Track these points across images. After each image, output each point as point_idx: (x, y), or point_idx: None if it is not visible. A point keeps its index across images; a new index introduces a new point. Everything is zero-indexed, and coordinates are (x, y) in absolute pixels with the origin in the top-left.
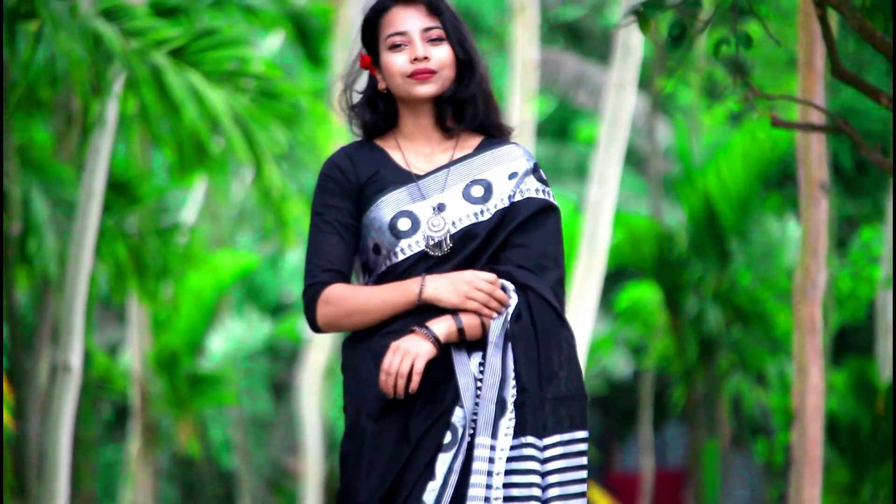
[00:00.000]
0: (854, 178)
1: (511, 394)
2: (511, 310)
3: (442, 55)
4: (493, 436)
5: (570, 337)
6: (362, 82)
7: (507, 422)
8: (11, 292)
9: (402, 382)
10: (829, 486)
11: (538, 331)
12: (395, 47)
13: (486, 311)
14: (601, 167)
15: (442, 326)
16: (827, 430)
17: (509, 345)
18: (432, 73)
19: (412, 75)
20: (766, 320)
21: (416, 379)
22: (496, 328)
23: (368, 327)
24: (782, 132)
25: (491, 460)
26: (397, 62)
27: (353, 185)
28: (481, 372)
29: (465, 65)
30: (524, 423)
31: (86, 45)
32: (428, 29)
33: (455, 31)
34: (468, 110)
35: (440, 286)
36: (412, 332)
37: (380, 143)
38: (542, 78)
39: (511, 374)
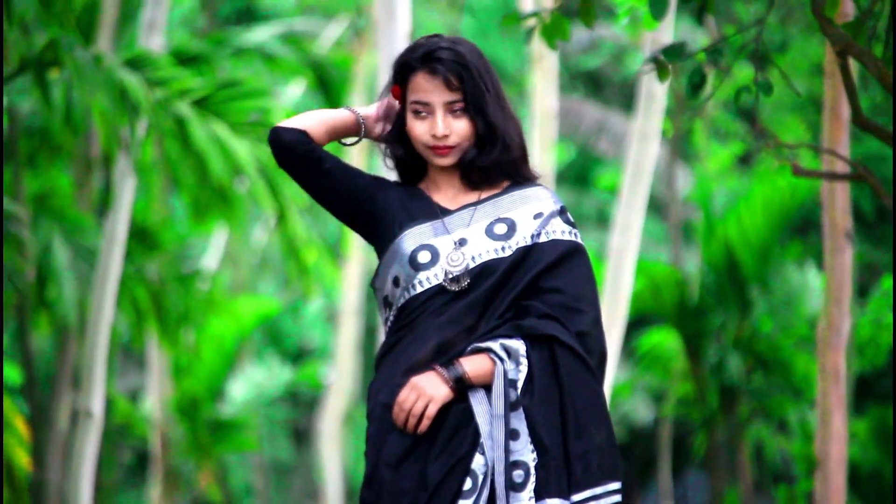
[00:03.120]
0: (875, 225)
1: (531, 458)
2: (520, 379)
3: (461, 127)
4: None
5: (598, 387)
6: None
7: (530, 486)
8: (30, 338)
9: (412, 422)
10: None
11: (563, 386)
12: (418, 113)
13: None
14: (624, 215)
15: (464, 368)
16: (849, 478)
17: (521, 411)
18: (451, 148)
19: (431, 148)
20: (788, 368)
21: (425, 423)
22: (498, 400)
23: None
24: (802, 180)
25: None
26: (418, 130)
27: (379, 191)
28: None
29: (488, 132)
30: (548, 485)
31: (111, 95)
32: (450, 102)
33: (476, 100)
34: (494, 170)
35: None
36: (433, 370)
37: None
38: (562, 126)
39: (527, 439)
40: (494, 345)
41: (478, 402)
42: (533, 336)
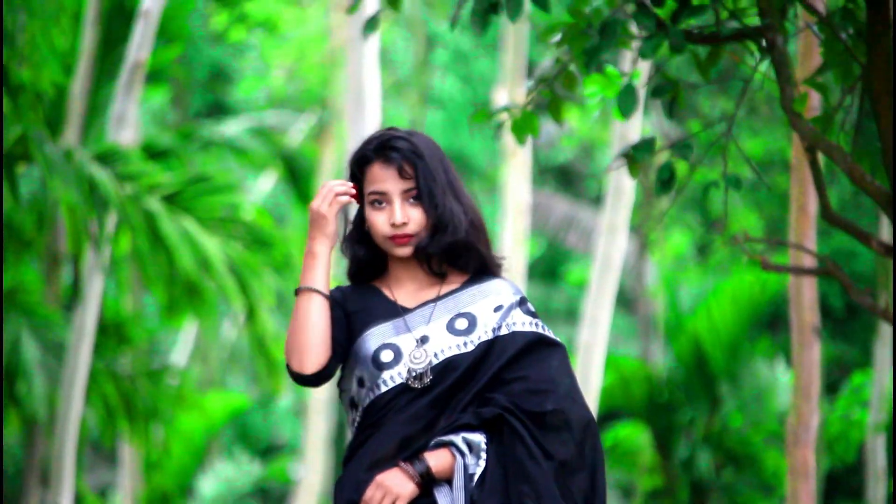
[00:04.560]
0: (844, 321)
1: None
2: (476, 475)
3: (419, 216)
4: None
5: (540, 465)
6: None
7: None
8: None
9: None
10: None
11: (507, 470)
12: (375, 203)
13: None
14: (593, 309)
15: (428, 464)
16: None
17: None
18: (410, 236)
19: (391, 238)
20: (758, 464)
21: None
22: (458, 495)
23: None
24: (771, 275)
25: None
26: (378, 221)
27: (343, 309)
28: None
29: (438, 220)
30: None
31: (82, 191)
32: (406, 191)
33: (428, 186)
34: (459, 258)
35: None
36: (398, 466)
37: (370, 282)
38: (532, 220)
39: None
40: (457, 438)
41: (443, 497)
42: (489, 423)
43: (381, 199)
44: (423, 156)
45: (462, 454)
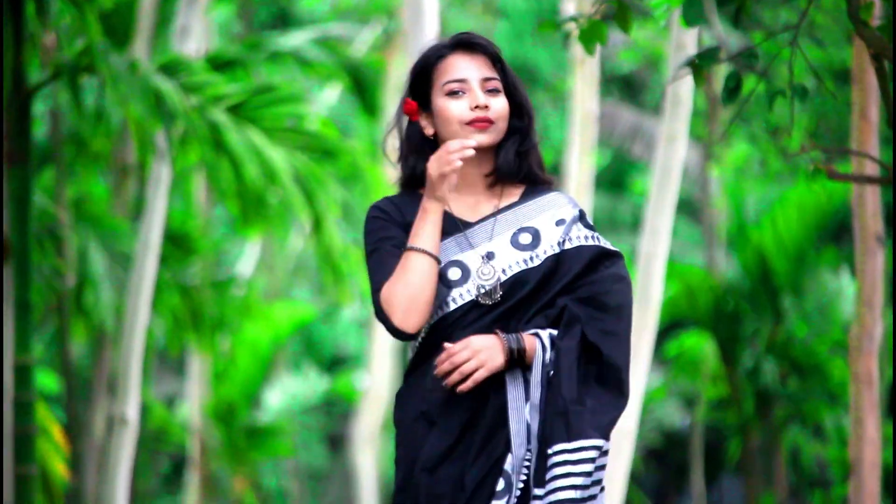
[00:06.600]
0: None
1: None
2: (545, 360)
3: (499, 106)
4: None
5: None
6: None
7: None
8: (69, 346)
9: (456, 378)
10: None
11: (561, 366)
12: (452, 94)
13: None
14: (653, 219)
15: (524, 344)
16: (883, 482)
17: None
18: (490, 122)
19: (471, 122)
20: (823, 373)
21: (468, 384)
22: (535, 390)
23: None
24: (838, 185)
25: None
26: (455, 109)
27: (399, 222)
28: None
29: (520, 118)
30: (536, 476)
31: (146, 102)
32: (488, 79)
33: (513, 84)
34: (522, 163)
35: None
36: (496, 334)
37: (423, 191)
38: (598, 130)
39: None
40: (543, 333)
41: (514, 392)
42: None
43: (460, 88)
44: (501, 55)
45: (544, 350)
